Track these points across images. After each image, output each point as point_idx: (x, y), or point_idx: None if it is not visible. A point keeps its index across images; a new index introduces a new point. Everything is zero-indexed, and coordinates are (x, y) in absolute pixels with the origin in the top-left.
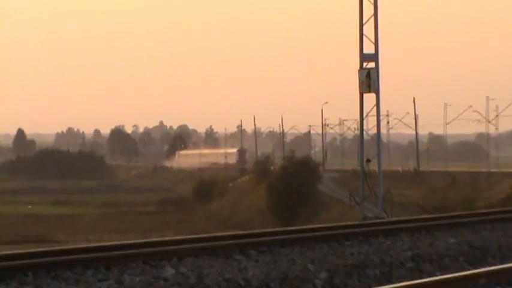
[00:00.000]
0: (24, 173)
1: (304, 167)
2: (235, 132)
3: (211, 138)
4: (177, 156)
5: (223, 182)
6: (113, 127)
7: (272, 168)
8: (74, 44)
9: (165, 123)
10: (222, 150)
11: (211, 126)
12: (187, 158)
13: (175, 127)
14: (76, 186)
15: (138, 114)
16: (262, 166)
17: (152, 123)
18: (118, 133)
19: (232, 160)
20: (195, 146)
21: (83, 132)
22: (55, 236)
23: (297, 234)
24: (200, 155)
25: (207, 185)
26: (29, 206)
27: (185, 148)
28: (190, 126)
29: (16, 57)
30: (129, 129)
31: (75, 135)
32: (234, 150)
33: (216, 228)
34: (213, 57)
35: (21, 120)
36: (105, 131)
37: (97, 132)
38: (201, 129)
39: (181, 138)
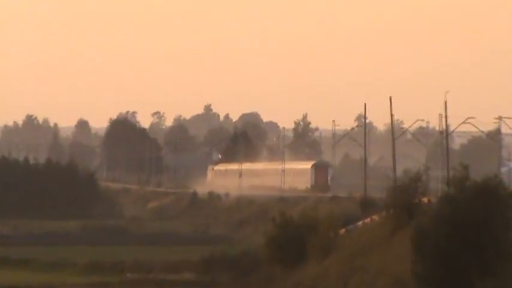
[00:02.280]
0: None
1: (489, 198)
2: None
3: (305, 140)
4: (209, 172)
5: (326, 228)
6: (113, 116)
7: (422, 200)
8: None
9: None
10: (283, 165)
11: (305, 115)
12: (226, 177)
13: (234, 117)
14: (43, 229)
15: (161, 96)
16: (404, 196)
17: (189, 109)
18: (122, 126)
19: (303, 182)
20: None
21: (54, 124)
22: None
23: None
24: (246, 172)
25: (294, 233)
26: None
27: (253, 157)
28: (266, 117)
29: None
30: (144, 120)
31: (40, 129)
32: (307, 165)
33: None
34: None
35: None
36: (97, 122)
37: (82, 124)
38: (285, 120)
39: (246, 137)
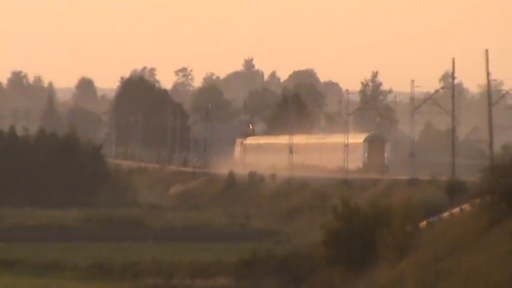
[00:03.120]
0: None
1: None
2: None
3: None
4: (238, 147)
5: (403, 221)
6: (125, 74)
7: None
8: None
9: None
10: (333, 138)
11: (376, 73)
12: (258, 154)
13: (283, 76)
14: (34, 221)
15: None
16: (504, 180)
17: (223, 66)
18: (136, 87)
19: (353, 160)
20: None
21: (49, 84)
22: None
23: None
24: (283, 147)
25: (361, 227)
26: None
27: (307, 128)
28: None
29: None
30: (165, 79)
31: (30, 90)
32: (359, 139)
33: None
34: None
35: None
36: (105, 81)
37: (85, 84)
38: (349, 81)
39: (298, 102)
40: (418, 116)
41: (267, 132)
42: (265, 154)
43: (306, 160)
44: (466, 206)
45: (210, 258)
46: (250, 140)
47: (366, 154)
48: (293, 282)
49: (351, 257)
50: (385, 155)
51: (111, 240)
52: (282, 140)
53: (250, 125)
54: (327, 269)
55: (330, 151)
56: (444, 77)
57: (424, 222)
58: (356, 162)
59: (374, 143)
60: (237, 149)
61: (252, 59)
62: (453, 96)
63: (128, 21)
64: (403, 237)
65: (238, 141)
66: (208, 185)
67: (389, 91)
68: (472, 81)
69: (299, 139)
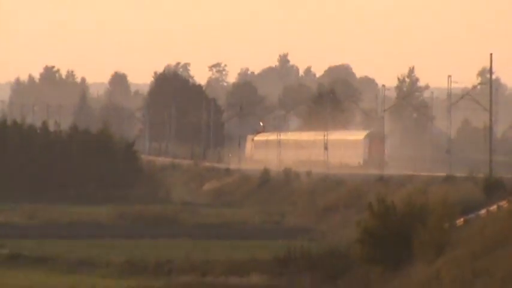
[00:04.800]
0: None
1: None
2: None
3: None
4: (248, 144)
5: (439, 219)
6: (158, 69)
7: None
8: None
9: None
10: (336, 135)
11: (412, 69)
12: (267, 150)
13: (318, 72)
14: (67, 217)
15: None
16: None
17: (258, 61)
18: (170, 82)
19: (354, 157)
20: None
21: (82, 79)
22: None
23: None
24: (289, 143)
25: (397, 225)
26: None
27: (343, 123)
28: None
29: None
30: (200, 74)
31: (63, 85)
32: (360, 135)
33: None
34: None
35: None
36: (138, 76)
37: (119, 79)
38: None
39: (333, 98)
40: (455, 112)
41: (301, 129)
42: (274, 150)
43: (311, 156)
44: (503, 203)
45: (244, 255)
46: (259, 137)
47: (367, 150)
48: (328, 280)
49: (386, 255)
50: (385, 151)
51: (145, 237)
52: (290, 136)
53: (260, 122)
54: (363, 267)
55: (334, 147)
56: (482, 73)
57: (461, 220)
58: (357, 158)
59: (374, 140)
60: (248, 146)
61: (287, 54)
62: (491, 92)
63: (162, 16)
64: (440, 235)
65: (249, 137)
66: (242, 182)
67: (426, 87)
68: (510, 77)
69: (305, 136)
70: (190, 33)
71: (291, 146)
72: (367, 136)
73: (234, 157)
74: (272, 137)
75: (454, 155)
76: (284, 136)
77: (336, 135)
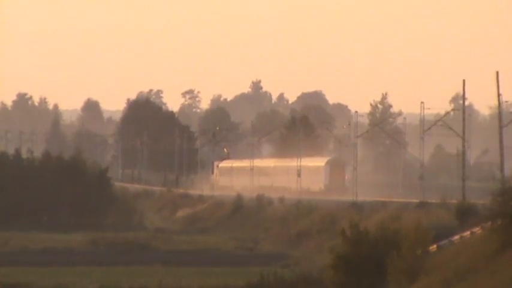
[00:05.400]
0: None
1: None
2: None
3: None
4: (214, 170)
5: (413, 245)
6: (131, 96)
7: None
8: None
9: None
10: (297, 162)
11: (385, 95)
12: (232, 176)
13: (291, 98)
14: (40, 244)
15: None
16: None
17: (231, 88)
18: (143, 109)
19: (316, 182)
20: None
21: (55, 106)
22: None
23: None
24: (255, 170)
25: (370, 251)
26: None
27: (316, 150)
28: (332, 98)
29: None
30: (172, 101)
31: (35, 112)
32: (321, 162)
33: None
34: None
35: None
36: (111, 103)
37: (91, 106)
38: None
39: (306, 124)
40: (428, 139)
41: (274, 155)
42: (237, 177)
43: (274, 182)
44: (476, 230)
45: (217, 282)
46: (224, 164)
47: (328, 176)
48: None
49: (360, 281)
50: (346, 177)
51: (118, 263)
52: (254, 163)
53: (225, 149)
54: None
55: (295, 174)
56: (454, 99)
57: (434, 246)
58: (319, 184)
59: (335, 166)
60: (214, 172)
61: (259, 81)
62: (464, 118)
63: (134, 43)
64: (413, 261)
65: (215, 164)
66: (215, 209)
67: (399, 113)
68: (482, 103)
69: (268, 163)
70: (163, 60)
71: (255, 172)
72: (327, 163)
73: (206, 183)
74: (236, 163)
75: (427, 181)
76: (248, 163)
77: (297, 162)
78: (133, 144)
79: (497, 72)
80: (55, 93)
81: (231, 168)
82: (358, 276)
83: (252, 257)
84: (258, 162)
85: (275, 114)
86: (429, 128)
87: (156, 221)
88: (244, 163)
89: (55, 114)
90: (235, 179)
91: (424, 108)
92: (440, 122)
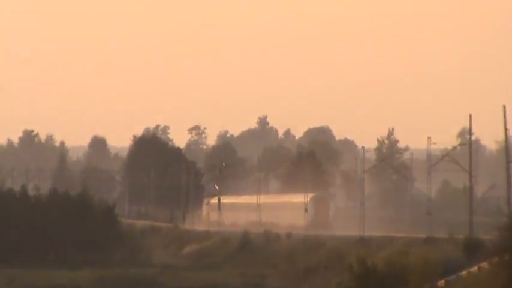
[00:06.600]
0: None
1: None
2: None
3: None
4: (205, 206)
5: (420, 280)
6: (137, 132)
7: None
8: None
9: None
10: (284, 198)
11: (392, 130)
12: (223, 212)
13: (298, 133)
14: (47, 281)
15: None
16: None
17: (237, 124)
18: (149, 145)
19: (300, 218)
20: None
21: (61, 143)
22: None
23: None
24: (244, 206)
25: (378, 286)
26: None
27: (322, 185)
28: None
29: None
30: (179, 137)
31: (42, 149)
32: (307, 198)
33: None
34: None
35: None
36: (118, 140)
37: (98, 142)
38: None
39: (313, 160)
40: (434, 174)
41: (281, 191)
42: (227, 212)
43: (262, 218)
44: (484, 264)
45: None
46: (214, 200)
47: (313, 212)
48: None
49: None
50: (330, 213)
51: None
52: (241, 199)
53: (216, 186)
54: None
55: (283, 209)
56: (461, 134)
57: (442, 281)
58: (304, 219)
59: (319, 202)
60: (205, 208)
61: (266, 117)
62: (470, 153)
63: (141, 80)
64: None
65: (206, 200)
66: (222, 244)
67: (406, 148)
68: (489, 138)
69: (256, 199)
70: (169, 96)
71: (244, 208)
72: (312, 199)
73: (193, 219)
74: (226, 199)
75: (434, 216)
76: (236, 199)
77: (284, 198)
78: (140, 180)
79: (504, 107)
80: (61, 130)
81: (222, 204)
82: None
83: None
84: (245, 199)
85: (281, 150)
86: (436, 163)
87: (163, 257)
88: (232, 199)
89: (61, 151)
90: (225, 215)
91: (430, 143)
92: (447, 157)
